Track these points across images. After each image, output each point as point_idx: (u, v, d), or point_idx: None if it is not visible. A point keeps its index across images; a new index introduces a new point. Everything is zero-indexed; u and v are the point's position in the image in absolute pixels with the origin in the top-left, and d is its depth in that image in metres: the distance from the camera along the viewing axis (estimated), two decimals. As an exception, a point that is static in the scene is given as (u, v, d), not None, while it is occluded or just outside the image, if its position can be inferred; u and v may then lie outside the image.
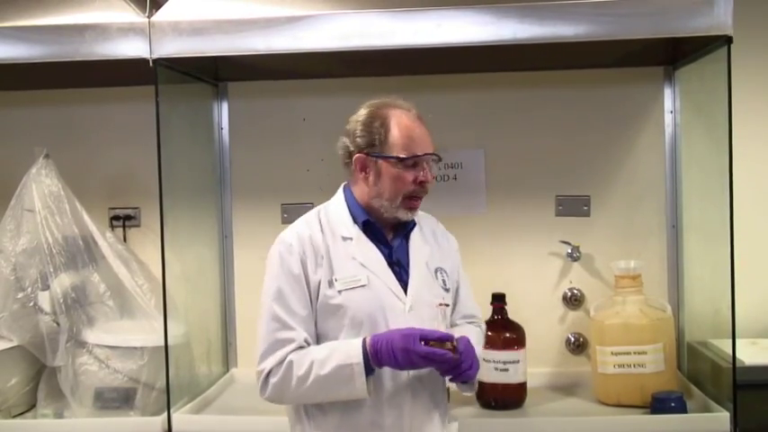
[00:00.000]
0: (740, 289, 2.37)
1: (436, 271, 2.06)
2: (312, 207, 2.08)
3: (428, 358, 1.85)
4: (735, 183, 2.37)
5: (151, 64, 2.43)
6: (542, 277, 2.96)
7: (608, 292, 2.79)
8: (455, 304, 2.19)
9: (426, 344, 1.84)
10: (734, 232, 2.36)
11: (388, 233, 2.03)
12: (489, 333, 2.58)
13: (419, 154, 1.95)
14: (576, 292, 2.95)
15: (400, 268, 2.01)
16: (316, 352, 1.89)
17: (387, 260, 1.99)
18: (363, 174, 1.96)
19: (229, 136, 3.04)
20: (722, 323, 2.44)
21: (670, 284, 2.92)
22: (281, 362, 1.89)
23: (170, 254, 2.52)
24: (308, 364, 1.87)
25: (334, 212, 2.01)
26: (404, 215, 1.99)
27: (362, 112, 1.99)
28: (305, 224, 2.00)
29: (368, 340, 1.88)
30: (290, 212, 2.93)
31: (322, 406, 1.93)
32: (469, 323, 2.18)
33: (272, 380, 1.89)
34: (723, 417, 2.37)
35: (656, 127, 2.92)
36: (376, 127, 1.94)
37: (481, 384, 2.58)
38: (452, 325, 2.14)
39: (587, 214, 2.93)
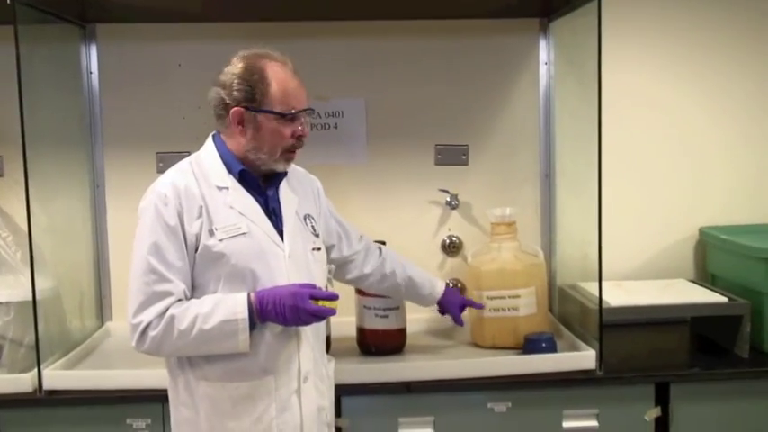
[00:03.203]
0: (607, 234, 2.42)
1: (305, 218, 2.10)
2: (188, 156, 2.02)
3: (317, 316, 1.89)
4: (603, 133, 2.39)
5: (9, 1, 2.27)
6: (422, 225, 2.99)
7: (485, 239, 2.84)
8: (347, 236, 2.32)
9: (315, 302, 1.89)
10: (601, 181, 2.40)
11: (261, 183, 2.02)
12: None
13: (298, 109, 1.96)
14: (454, 239, 2.99)
15: (276, 217, 2.02)
16: (198, 306, 1.88)
17: (263, 209, 1.98)
18: (240, 127, 1.94)
19: (99, 81, 2.90)
20: (590, 267, 2.50)
21: (543, 231, 3.00)
22: (160, 315, 1.86)
23: (36, 205, 2.40)
24: (191, 318, 1.85)
25: (208, 163, 1.98)
26: (281, 167, 2.01)
27: (238, 65, 1.94)
28: (179, 174, 1.96)
29: (252, 296, 1.89)
30: (166, 161, 2.84)
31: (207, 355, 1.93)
32: (380, 252, 2.38)
33: (152, 333, 1.86)
34: (590, 355, 2.45)
35: (531, 78, 2.97)
36: (254, 81, 1.92)
37: (361, 331, 2.63)
38: (351, 263, 2.33)
39: (465, 163, 2.97)
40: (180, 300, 1.89)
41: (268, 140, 1.94)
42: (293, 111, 1.94)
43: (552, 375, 2.44)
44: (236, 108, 1.93)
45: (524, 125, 2.99)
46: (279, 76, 1.93)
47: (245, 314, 1.86)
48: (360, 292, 2.61)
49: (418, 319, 2.83)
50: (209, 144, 2.03)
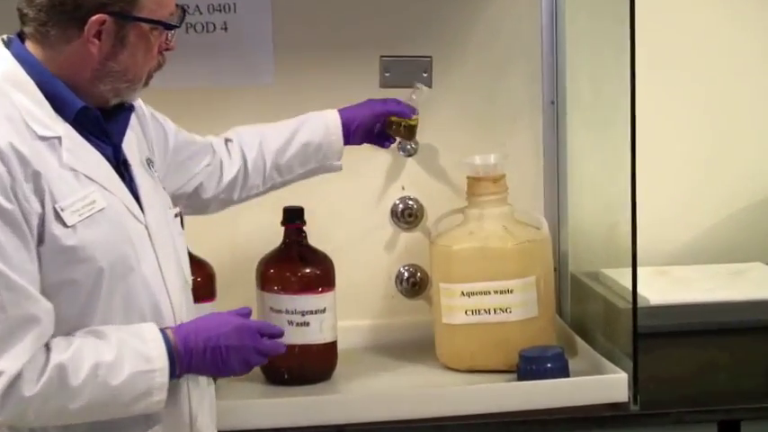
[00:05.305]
0: (644, 196, 2.37)
1: (148, 165, 2.05)
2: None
3: (266, 355, 1.99)
4: (638, 41, 2.31)
5: None
6: (361, 182, 2.87)
7: (458, 203, 2.74)
8: (199, 148, 2.37)
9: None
10: (635, 115, 2.33)
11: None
12: (272, 270, 2.57)
13: (173, 13, 1.94)
14: (410, 203, 2.88)
15: (127, 174, 1.96)
16: (94, 348, 1.79)
17: (112, 164, 1.91)
18: (96, 42, 1.85)
19: None
20: (619, 246, 2.46)
21: (547, 190, 2.91)
22: (35, 361, 1.74)
23: None
24: (90, 367, 1.77)
25: (18, 97, 1.83)
26: (134, 97, 2.00)
27: None
28: None
29: (171, 334, 1.87)
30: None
31: None
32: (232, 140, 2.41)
33: (27, 392, 1.72)
34: (619, 380, 2.36)
35: (526, -46, 2.78)
36: None
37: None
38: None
39: (428, 84, 2.83)
40: (49, 332, 1.76)
41: (139, 62, 1.92)
42: (172, 17, 1.92)
43: (562, 412, 2.37)
44: (99, 14, 1.82)
45: (518, 27, 2.87)
46: None
47: (165, 362, 1.83)
48: (263, 286, 2.53)
49: (355, 327, 2.76)
50: (6, 62, 1.85)
